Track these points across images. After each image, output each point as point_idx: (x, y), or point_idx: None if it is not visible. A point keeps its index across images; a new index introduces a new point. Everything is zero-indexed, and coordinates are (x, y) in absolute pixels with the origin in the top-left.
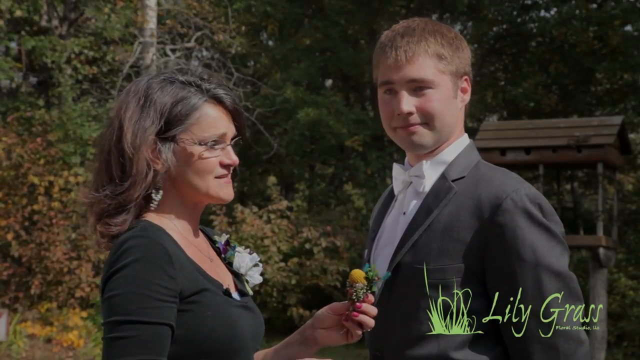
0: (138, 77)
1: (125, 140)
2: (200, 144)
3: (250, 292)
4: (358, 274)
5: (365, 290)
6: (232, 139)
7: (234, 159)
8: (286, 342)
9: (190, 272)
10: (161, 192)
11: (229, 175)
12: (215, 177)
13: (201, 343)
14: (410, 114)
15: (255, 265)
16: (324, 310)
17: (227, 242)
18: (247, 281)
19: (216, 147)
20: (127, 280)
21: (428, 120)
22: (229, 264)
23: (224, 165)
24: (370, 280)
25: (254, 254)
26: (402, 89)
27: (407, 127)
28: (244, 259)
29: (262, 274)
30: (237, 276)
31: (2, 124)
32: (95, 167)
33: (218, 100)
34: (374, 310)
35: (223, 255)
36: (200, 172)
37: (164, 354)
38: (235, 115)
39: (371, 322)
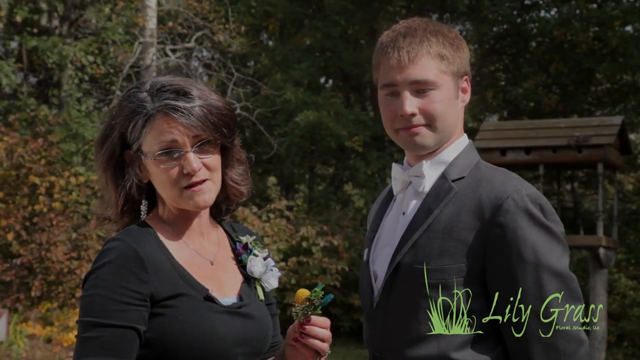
0: (138, 77)
1: (98, 161)
2: (153, 157)
3: (261, 297)
4: (301, 293)
5: (306, 312)
6: (195, 145)
7: (193, 167)
8: (277, 355)
9: (169, 276)
10: (145, 202)
11: (201, 183)
12: (183, 187)
13: (171, 346)
14: (413, 115)
15: (271, 270)
16: (291, 326)
17: (246, 246)
18: (261, 285)
19: (169, 157)
20: (97, 282)
21: (430, 121)
22: (243, 267)
23: (185, 174)
24: (311, 301)
25: (269, 259)
26: (404, 90)
27: (409, 128)
28: (256, 263)
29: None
30: (250, 280)
31: (2, 124)
32: None
33: (167, 112)
34: (322, 333)
35: (239, 258)
36: (162, 184)
37: (126, 356)
38: (196, 123)
39: (321, 346)
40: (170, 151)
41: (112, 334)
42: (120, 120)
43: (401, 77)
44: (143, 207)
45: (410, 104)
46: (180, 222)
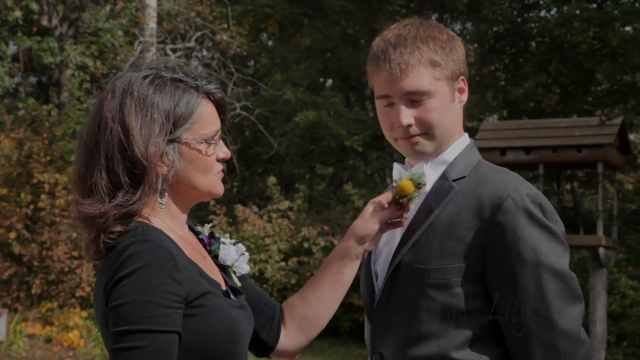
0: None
1: (137, 148)
2: (204, 142)
3: (238, 284)
4: (407, 184)
5: (417, 196)
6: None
7: (226, 152)
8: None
9: (192, 274)
10: (167, 195)
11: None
12: (215, 173)
13: (207, 347)
14: (409, 126)
15: (242, 255)
16: (361, 223)
17: (212, 234)
18: (234, 272)
19: (216, 142)
20: (135, 287)
21: (427, 130)
22: (214, 257)
23: (219, 160)
24: (418, 186)
25: (239, 245)
26: (400, 102)
27: (407, 138)
28: (229, 251)
29: (261, 270)
30: (223, 268)
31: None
32: (82, 173)
33: (210, 96)
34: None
35: (208, 248)
36: (204, 170)
37: None
38: (222, 108)
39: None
40: (217, 137)
41: (162, 340)
42: (165, 102)
43: (394, 89)
44: (163, 200)
45: (406, 115)
46: (174, 218)
